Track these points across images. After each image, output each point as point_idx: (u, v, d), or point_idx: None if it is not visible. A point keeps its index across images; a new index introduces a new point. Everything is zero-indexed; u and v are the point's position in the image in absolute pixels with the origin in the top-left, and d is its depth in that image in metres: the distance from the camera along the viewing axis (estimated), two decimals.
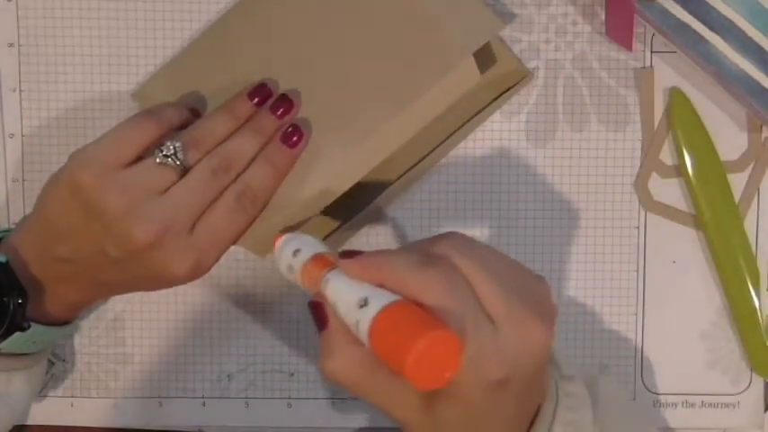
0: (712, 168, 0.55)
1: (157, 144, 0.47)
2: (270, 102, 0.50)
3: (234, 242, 0.49)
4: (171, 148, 0.47)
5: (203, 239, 0.47)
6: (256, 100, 0.50)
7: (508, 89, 0.55)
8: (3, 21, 0.56)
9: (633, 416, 0.50)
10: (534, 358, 0.40)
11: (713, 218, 0.55)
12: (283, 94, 0.50)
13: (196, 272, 0.47)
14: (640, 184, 0.56)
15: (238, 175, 0.48)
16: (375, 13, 0.50)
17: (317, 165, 0.49)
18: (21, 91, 0.56)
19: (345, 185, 0.50)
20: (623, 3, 0.52)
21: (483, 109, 0.55)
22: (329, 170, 0.49)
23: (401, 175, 0.54)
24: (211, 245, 0.47)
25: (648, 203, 0.56)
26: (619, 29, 0.54)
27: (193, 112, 0.51)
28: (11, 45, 0.56)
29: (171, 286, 0.49)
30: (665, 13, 0.52)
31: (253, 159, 0.48)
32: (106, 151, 0.47)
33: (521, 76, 0.55)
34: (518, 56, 0.55)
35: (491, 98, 0.55)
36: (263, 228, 0.49)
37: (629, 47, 0.54)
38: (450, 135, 0.54)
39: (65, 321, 0.51)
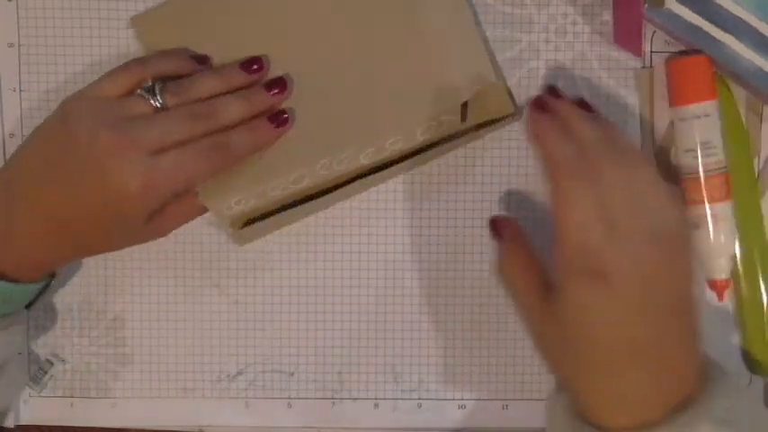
0: (743, 157, 0.56)
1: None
2: (266, 80, 0.53)
3: (189, 184, 0.50)
4: (152, 85, 0.49)
5: (163, 166, 0.48)
6: (249, 68, 0.52)
7: (492, 122, 0.55)
8: (3, 21, 0.56)
9: None
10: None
11: (739, 209, 0.55)
12: (281, 77, 0.53)
13: (145, 194, 0.48)
14: (661, 156, 0.56)
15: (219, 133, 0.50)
16: (383, 37, 0.53)
17: (294, 158, 0.53)
18: (21, 91, 0.56)
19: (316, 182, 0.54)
20: (631, 9, 0.52)
21: (462, 134, 0.55)
22: (301, 169, 0.53)
23: (364, 175, 0.55)
24: (168, 174, 0.48)
25: (669, 173, 0.56)
26: (627, 35, 0.54)
27: (199, 59, 0.52)
28: (11, 45, 0.56)
29: (122, 212, 0.48)
30: (675, 17, 0.51)
31: (235, 124, 0.50)
32: (90, 86, 0.50)
33: (507, 113, 0.55)
34: (511, 92, 0.56)
35: (471, 126, 0.55)
36: (229, 193, 0.52)
37: (637, 53, 0.54)
38: (422, 151, 0.55)
39: (32, 280, 0.52)
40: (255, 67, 0.52)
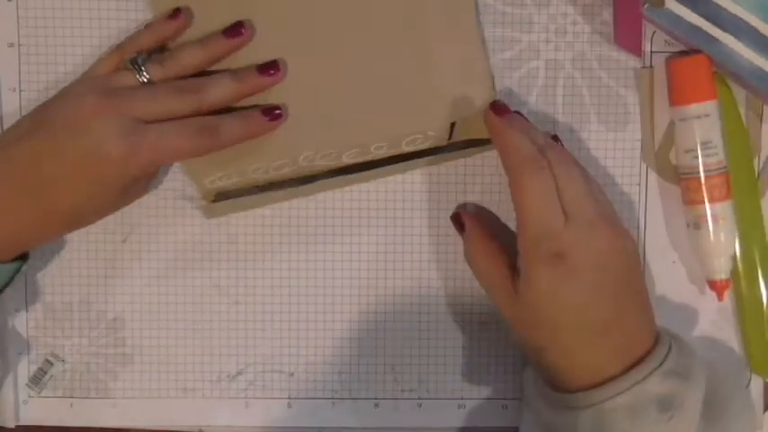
0: (743, 157, 0.56)
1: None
2: (260, 63, 0.53)
3: (173, 158, 0.51)
4: (136, 58, 0.51)
5: (150, 136, 0.48)
6: (231, 34, 0.52)
7: (483, 141, 0.55)
8: (3, 21, 0.56)
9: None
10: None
11: (739, 209, 0.55)
12: (275, 61, 0.53)
13: (128, 159, 0.48)
14: (661, 156, 0.56)
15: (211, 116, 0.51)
16: (386, 43, 0.54)
17: (279, 145, 0.53)
18: (21, 91, 0.56)
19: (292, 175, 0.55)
20: (631, 9, 0.53)
21: (449, 149, 0.55)
22: (285, 157, 0.54)
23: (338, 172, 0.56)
24: (153, 144, 0.48)
25: (669, 173, 0.56)
26: (627, 35, 0.54)
27: (173, 14, 0.53)
28: (11, 45, 0.56)
29: (101, 174, 0.48)
30: (675, 17, 0.51)
31: (225, 103, 0.51)
32: (83, 73, 0.52)
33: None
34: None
35: (458, 142, 0.55)
36: (212, 167, 0.54)
37: (637, 53, 0.55)
38: (409, 158, 0.55)
39: (6, 260, 0.51)
40: (238, 32, 0.52)
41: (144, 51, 0.52)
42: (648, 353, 0.47)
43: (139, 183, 0.53)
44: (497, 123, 0.51)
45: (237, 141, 0.52)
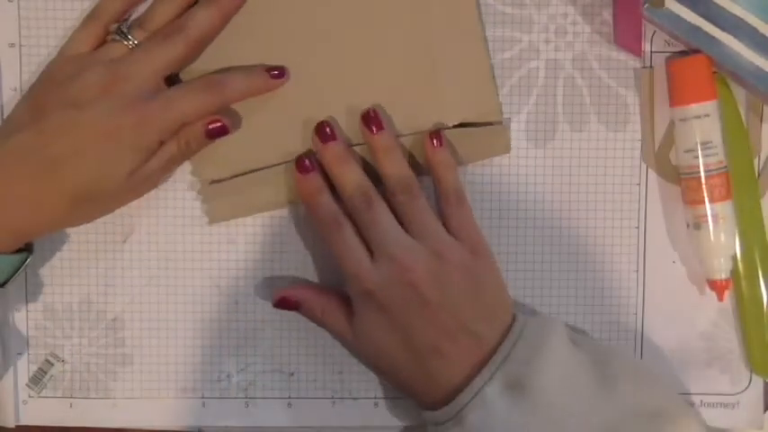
0: (743, 157, 0.56)
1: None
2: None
3: (183, 119, 0.51)
4: (119, 27, 0.52)
5: (158, 101, 0.50)
6: None
7: (476, 124, 0.56)
8: (4, 20, 0.56)
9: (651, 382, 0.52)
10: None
11: (739, 209, 0.55)
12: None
13: (139, 127, 0.49)
14: (661, 156, 0.56)
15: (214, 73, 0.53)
16: (393, 50, 0.55)
17: (285, 144, 0.55)
18: (22, 91, 0.56)
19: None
20: (631, 9, 0.53)
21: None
22: (288, 156, 0.55)
23: None
24: (160, 108, 0.50)
25: (669, 173, 0.56)
26: (627, 35, 0.54)
27: None
28: (12, 45, 0.56)
29: (115, 144, 0.49)
30: (675, 17, 0.52)
31: (208, 32, 0.52)
32: (62, 49, 0.53)
33: (493, 119, 0.56)
34: (500, 104, 0.56)
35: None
36: (217, 166, 0.55)
37: (637, 53, 0.55)
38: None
39: (5, 249, 0.51)
40: None
41: (121, 19, 0.53)
42: (492, 352, 0.50)
43: (150, 170, 0.52)
44: (301, 193, 0.54)
45: (242, 97, 0.53)
